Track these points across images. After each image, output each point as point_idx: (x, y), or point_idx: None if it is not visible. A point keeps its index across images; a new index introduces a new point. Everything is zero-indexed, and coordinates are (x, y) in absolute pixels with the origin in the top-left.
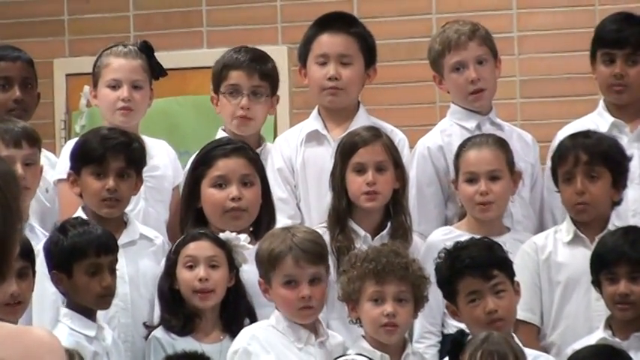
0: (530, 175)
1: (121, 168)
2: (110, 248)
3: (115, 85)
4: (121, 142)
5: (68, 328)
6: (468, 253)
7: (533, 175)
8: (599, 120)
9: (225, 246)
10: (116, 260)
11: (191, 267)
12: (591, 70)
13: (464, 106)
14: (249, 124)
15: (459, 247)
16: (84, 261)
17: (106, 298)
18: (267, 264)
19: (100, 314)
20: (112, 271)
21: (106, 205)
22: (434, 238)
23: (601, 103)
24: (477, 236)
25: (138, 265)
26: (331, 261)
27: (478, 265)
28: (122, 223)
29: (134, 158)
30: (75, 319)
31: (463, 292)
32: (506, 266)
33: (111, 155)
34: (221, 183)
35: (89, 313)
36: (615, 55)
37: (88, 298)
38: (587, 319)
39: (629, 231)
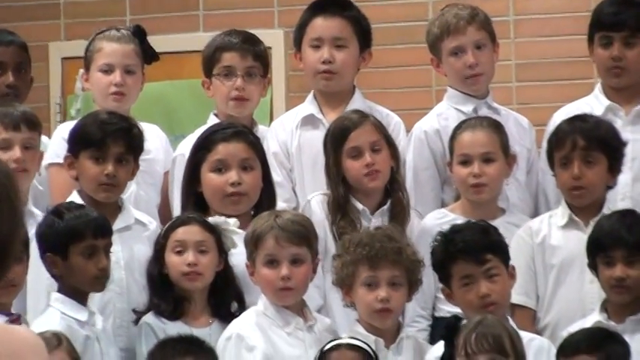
0: (526, 159)
1: (120, 153)
2: (106, 231)
3: (107, 70)
4: (122, 128)
5: (60, 313)
6: (461, 237)
7: (529, 159)
8: (594, 103)
9: (214, 230)
10: (111, 244)
11: (180, 252)
12: (588, 53)
13: (461, 90)
14: (245, 105)
15: (453, 230)
16: (81, 243)
17: (101, 280)
18: (251, 245)
19: (96, 300)
20: (107, 255)
21: (103, 189)
22: (427, 222)
23: (598, 85)
24: (472, 219)
25: (133, 250)
26: (334, 246)
27: (471, 250)
28: (117, 208)
29: (134, 144)
30: (66, 304)
31: (457, 276)
32: (500, 250)
33: (111, 140)
34: (220, 167)
35: (81, 298)
36: (613, 37)
37: (84, 280)
38: (580, 301)
39: (625, 214)
